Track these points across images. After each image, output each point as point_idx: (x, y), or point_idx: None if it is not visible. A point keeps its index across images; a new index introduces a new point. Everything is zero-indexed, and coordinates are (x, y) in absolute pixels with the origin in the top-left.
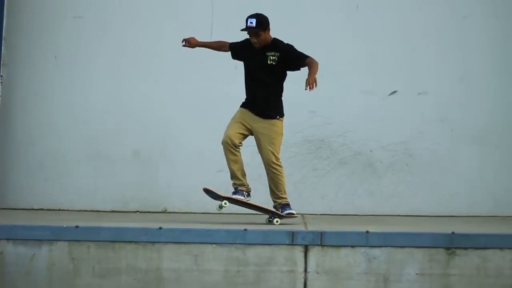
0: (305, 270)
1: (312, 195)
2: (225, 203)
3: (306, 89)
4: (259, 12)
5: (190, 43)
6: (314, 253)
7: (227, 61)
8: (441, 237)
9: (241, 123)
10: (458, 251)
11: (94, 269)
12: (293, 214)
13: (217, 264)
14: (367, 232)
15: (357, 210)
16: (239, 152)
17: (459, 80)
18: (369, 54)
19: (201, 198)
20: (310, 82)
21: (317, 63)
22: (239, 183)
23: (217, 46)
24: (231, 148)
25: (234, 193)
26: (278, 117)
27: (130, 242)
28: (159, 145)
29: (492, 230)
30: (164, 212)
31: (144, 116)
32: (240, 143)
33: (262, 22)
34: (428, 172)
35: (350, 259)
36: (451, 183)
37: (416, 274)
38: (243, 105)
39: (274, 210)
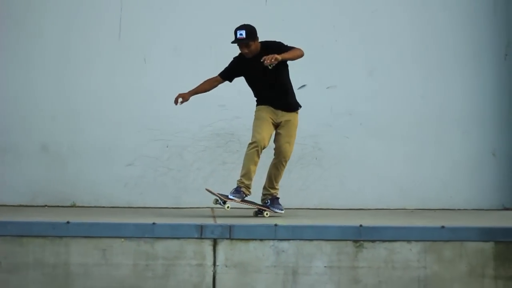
0: (214, 264)
1: (222, 189)
2: (228, 207)
3: (262, 60)
4: None
5: (184, 98)
6: (223, 246)
7: (136, 55)
8: (349, 230)
9: (270, 122)
10: (366, 244)
11: (1, 264)
12: (282, 212)
13: (126, 258)
14: (275, 225)
15: None
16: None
17: (368, 74)
18: None
19: (110, 192)
20: (270, 57)
21: (298, 50)
22: (247, 184)
23: (208, 86)
24: (261, 150)
25: (234, 192)
26: (297, 109)
27: (38, 236)
28: (68, 139)
29: (399, 223)
30: (72, 206)
31: (52, 110)
32: None
33: (251, 32)
34: (337, 166)
35: (259, 253)
36: (360, 176)
37: (325, 266)
38: (261, 102)
39: (266, 207)
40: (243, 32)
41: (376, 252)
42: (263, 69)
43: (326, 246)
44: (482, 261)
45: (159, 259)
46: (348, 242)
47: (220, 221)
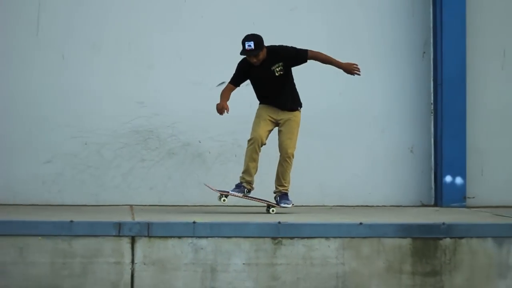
0: (132, 262)
1: (141, 186)
2: (224, 200)
3: (355, 75)
4: None
5: (226, 108)
6: (141, 244)
7: (54, 51)
8: (267, 227)
9: (268, 120)
10: (284, 241)
11: None
12: (289, 207)
13: (43, 257)
14: (194, 222)
15: (186, 201)
16: (260, 150)
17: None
18: (198, 45)
19: (28, 189)
20: (355, 68)
21: (324, 54)
22: (248, 180)
23: (229, 93)
24: (258, 146)
25: (235, 188)
26: (299, 108)
27: None
28: None
29: (318, 220)
30: None
31: None
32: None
33: (259, 43)
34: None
35: (177, 250)
36: None
37: (243, 264)
38: (263, 102)
39: (269, 202)
40: (252, 44)
41: (294, 249)
42: (271, 74)
43: (245, 243)
44: (400, 257)
45: (76, 257)
46: (267, 239)
47: (138, 219)
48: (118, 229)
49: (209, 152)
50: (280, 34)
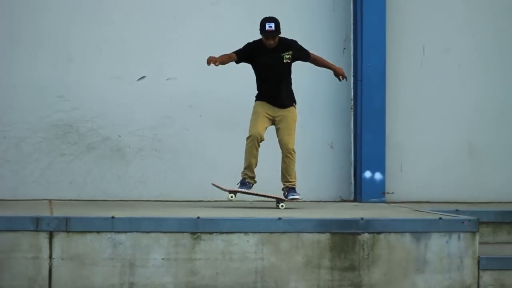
0: (50, 257)
1: (60, 181)
2: (232, 196)
3: (342, 80)
4: None
5: (216, 63)
6: (59, 239)
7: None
8: (186, 222)
9: (265, 116)
10: (203, 236)
11: None
12: (297, 198)
13: None
14: (112, 217)
15: (106, 196)
16: (260, 146)
17: (207, 66)
18: (117, 38)
19: None
20: (342, 73)
21: (322, 58)
22: (250, 175)
23: (227, 60)
24: (258, 143)
25: (241, 185)
26: (294, 104)
27: None
28: None
29: (237, 215)
30: None
31: None
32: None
33: (278, 25)
34: (176, 157)
35: (96, 245)
36: (199, 168)
37: (162, 259)
38: (260, 98)
39: (276, 196)
40: (272, 25)
41: (213, 244)
42: (279, 60)
43: (164, 238)
44: (318, 252)
45: None
46: (186, 234)
47: (57, 213)
48: (36, 224)
49: (129, 147)
50: (202, 28)
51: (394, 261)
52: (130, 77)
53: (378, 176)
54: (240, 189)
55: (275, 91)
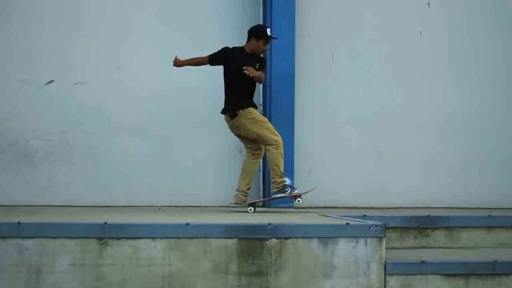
0: None
1: None
2: (299, 201)
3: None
4: None
5: (178, 65)
6: None
7: None
8: (93, 227)
9: None
10: (110, 241)
11: None
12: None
13: None
14: (18, 223)
15: (13, 201)
16: None
17: (117, 70)
18: (25, 41)
19: None
20: (252, 70)
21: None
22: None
23: (196, 63)
24: None
25: (292, 189)
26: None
27: None
28: None
29: (145, 220)
30: None
31: None
32: None
33: None
34: (84, 162)
35: (1, 251)
36: (108, 173)
37: (69, 264)
38: (251, 104)
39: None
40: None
41: (120, 250)
42: (254, 68)
43: (70, 244)
44: (226, 257)
45: None
46: (93, 239)
47: None
48: None
49: (37, 152)
50: (111, 32)
51: (301, 266)
52: (38, 81)
53: (286, 181)
54: (302, 192)
55: (252, 93)
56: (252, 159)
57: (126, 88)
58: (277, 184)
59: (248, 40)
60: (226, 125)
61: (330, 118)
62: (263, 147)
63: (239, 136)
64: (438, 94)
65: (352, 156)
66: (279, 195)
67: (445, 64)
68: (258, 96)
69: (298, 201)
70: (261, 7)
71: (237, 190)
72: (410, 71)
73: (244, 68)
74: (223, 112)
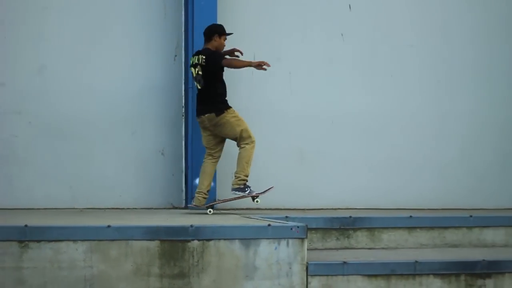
0: None
1: None
2: (257, 201)
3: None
4: None
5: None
6: None
7: None
8: (13, 230)
9: None
10: (31, 244)
11: None
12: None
13: None
14: None
15: None
16: None
17: (37, 72)
18: None
19: None
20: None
21: None
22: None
23: None
24: None
25: (251, 190)
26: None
27: None
28: None
29: (66, 223)
30: None
31: None
32: None
33: None
34: (5, 165)
35: None
36: (29, 175)
37: None
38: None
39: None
40: None
41: (41, 252)
42: None
43: None
44: (148, 259)
45: None
46: (13, 242)
47: None
48: None
49: None
50: (32, 32)
51: (223, 267)
52: None
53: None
54: (259, 192)
55: None
56: (213, 161)
57: (47, 89)
58: (239, 180)
59: (210, 39)
60: (149, 126)
61: (252, 119)
62: (222, 151)
63: (211, 136)
64: (360, 97)
65: (274, 158)
66: (238, 194)
67: (367, 67)
68: (180, 97)
69: (257, 201)
70: (183, 10)
71: (197, 193)
72: (332, 73)
73: (264, 62)
74: (203, 112)
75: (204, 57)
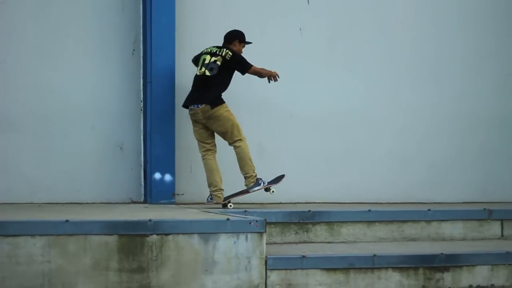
0: None
1: None
2: (273, 191)
3: None
4: None
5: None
6: None
7: None
8: None
9: None
10: None
11: None
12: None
13: None
14: None
15: None
16: None
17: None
18: None
19: None
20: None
21: None
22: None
23: None
24: None
25: (262, 182)
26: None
27: None
28: None
29: (24, 217)
30: None
31: None
32: None
33: None
34: None
35: None
36: None
37: None
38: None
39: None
40: None
41: (0, 247)
42: None
43: None
44: (106, 254)
45: None
46: None
47: None
48: None
49: None
50: None
51: (182, 262)
52: None
53: (168, 177)
54: (270, 184)
55: None
56: (213, 155)
57: (6, 84)
58: (252, 178)
59: (230, 42)
60: (107, 120)
61: None
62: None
63: (203, 129)
64: (318, 91)
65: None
66: (256, 188)
67: (325, 61)
68: (138, 92)
69: (272, 191)
70: (141, 3)
71: (215, 190)
72: (290, 68)
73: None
74: (198, 100)
75: (231, 53)
